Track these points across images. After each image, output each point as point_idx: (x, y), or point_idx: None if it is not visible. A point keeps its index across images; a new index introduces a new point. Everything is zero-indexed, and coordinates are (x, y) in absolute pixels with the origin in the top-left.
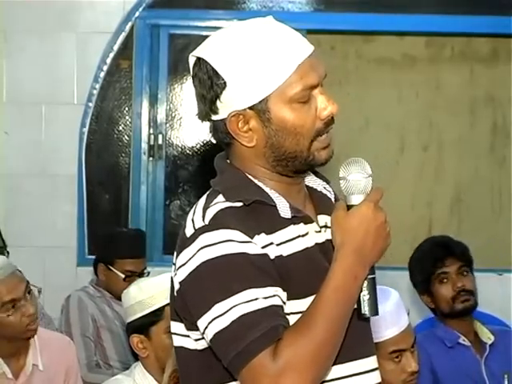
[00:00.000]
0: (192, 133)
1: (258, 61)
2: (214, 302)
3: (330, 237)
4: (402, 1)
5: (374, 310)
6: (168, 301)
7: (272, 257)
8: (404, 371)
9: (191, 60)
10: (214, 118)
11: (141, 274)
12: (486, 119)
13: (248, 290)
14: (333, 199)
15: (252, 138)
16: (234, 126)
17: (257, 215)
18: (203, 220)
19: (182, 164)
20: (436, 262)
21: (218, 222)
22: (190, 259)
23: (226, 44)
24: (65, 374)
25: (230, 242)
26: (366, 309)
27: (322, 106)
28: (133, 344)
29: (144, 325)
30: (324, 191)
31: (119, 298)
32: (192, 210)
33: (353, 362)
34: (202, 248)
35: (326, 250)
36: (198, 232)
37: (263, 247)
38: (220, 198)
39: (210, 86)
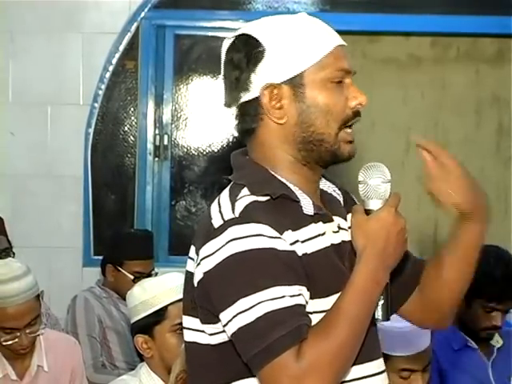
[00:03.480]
0: (198, 133)
1: (298, 35)
2: (240, 297)
3: (345, 238)
4: (408, 1)
5: (386, 315)
6: (171, 300)
7: (299, 254)
8: None
9: (225, 45)
10: (244, 98)
11: (149, 275)
12: (492, 119)
13: (275, 287)
14: (342, 202)
15: (283, 115)
16: (266, 99)
17: (283, 210)
18: (233, 212)
19: (187, 164)
20: (493, 298)
21: (249, 215)
22: (217, 250)
23: (267, 21)
24: (70, 375)
25: (260, 236)
26: (379, 313)
27: (352, 94)
28: (137, 344)
29: (148, 325)
30: (334, 194)
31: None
32: (215, 203)
33: (363, 365)
34: (231, 240)
35: (340, 252)
36: (228, 224)
37: (291, 244)
38: (245, 191)
39: (246, 62)
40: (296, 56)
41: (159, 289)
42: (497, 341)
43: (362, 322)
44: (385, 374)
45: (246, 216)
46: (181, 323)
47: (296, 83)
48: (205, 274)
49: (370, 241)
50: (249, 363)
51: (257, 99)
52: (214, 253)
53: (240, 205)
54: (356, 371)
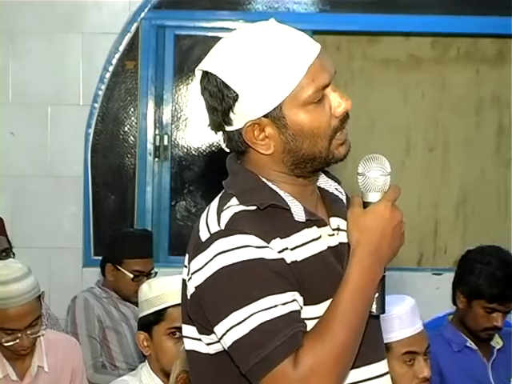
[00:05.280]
0: (197, 133)
1: (268, 68)
2: (233, 310)
3: (342, 240)
4: (408, 1)
5: (382, 308)
6: (172, 303)
7: (288, 262)
8: (416, 376)
9: (198, 73)
10: (227, 129)
11: (148, 274)
12: (492, 120)
13: (266, 297)
14: (344, 200)
15: (269, 146)
16: (250, 135)
17: (271, 219)
18: (219, 224)
19: (187, 165)
20: (495, 299)
21: (234, 226)
22: (206, 264)
23: (232, 55)
24: (70, 376)
25: (247, 247)
26: (374, 306)
27: (335, 103)
28: (138, 341)
29: (148, 323)
30: (336, 192)
31: (127, 299)
32: (205, 213)
33: (366, 367)
34: (218, 254)
35: (338, 254)
36: (214, 237)
37: (279, 252)
38: (234, 201)
39: (221, 98)
40: (270, 91)
41: (163, 289)
42: (497, 342)
43: (359, 321)
44: (388, 376)
45: (232, 227)
46: (177, 327)
47: (275, 115)
48: (196, 288)
49: (365, 237)
50: (247, 375)
51: (240, 130)
52: (202, 267)
53: (225, 216)
54: (362, 373)
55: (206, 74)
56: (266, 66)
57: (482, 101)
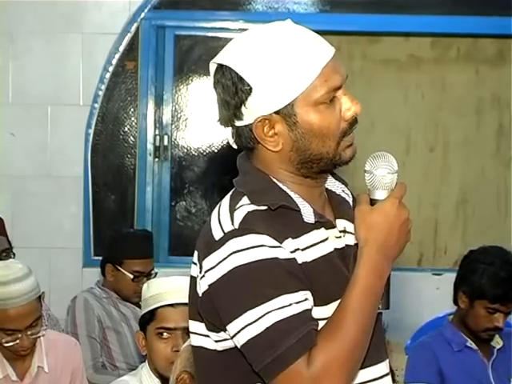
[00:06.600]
0: (198, 134)
1: (283, 65)
2: (247, 308)
3: (348, 242)
4: (408, 1)
5: (386, 304)
6: (164, 303)
7: (299, 262)
8: None
9: (212, 67)
10: (237, 123)
11: (149, 275)
12: (492, 120)
13: (281, 296)
14: (351, 202)
15: (278, 143)
16: (259, 131)
17: (282, 219)
18: (232, 223)
19: (187, 165)
20: (497, 299)
21: (248, 225)
22: (220, 262)
23: (249, 49)
24: (70, 376)
25: (262, 247)
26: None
27: (346, 106)
28: (137, 340)
29: (144, 322)
30: (343, 194)
31: (127, 299)
32: (216, 211)
33: (371, 368)
34: (233, 253)
35: (344, 256)
36: (228, 236)
37: (291, 252)
38: (245, 200)
39: (234, 92)
40: (283, 87)
41: (158, 290)
42: (497, 342)
43: (369, 319)
44: (389, 377)
45: (246, 227)
46: (165, 327)
47: (287, 113)
48: (209, 286)
49: (372, 234)
50: (261, 373)
51: (250, 125)
52: (216, 265)
53: (239, 215)
54: (367, 374)
55: (220, 67)
56: (281, 62)
57: (482, 101)
